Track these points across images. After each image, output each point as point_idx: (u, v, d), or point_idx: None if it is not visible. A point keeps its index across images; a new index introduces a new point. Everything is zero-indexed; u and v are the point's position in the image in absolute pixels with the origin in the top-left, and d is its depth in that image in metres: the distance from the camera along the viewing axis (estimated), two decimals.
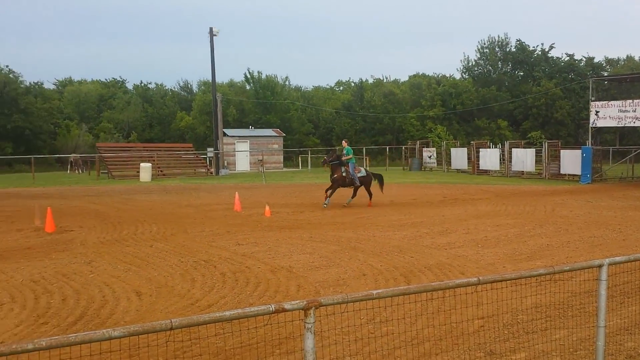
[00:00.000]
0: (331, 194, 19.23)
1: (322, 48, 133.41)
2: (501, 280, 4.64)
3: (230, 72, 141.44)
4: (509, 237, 13.30)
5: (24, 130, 55.57)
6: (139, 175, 37.04)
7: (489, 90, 63.82)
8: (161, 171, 40.65)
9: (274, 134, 51.28)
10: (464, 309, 6.60)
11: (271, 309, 3.79)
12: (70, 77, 78.34)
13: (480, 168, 39.92)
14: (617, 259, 5.26)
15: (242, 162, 47.49)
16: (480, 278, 4.33)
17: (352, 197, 19.81)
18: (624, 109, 31.77)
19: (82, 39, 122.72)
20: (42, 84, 68.83)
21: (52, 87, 73.81)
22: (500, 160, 39.12)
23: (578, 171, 32.56)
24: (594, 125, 33.50)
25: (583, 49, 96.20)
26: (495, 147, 41.85)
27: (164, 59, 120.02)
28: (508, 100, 63.24)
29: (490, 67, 68.70)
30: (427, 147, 47.71)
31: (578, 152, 33.22)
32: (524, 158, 36.81)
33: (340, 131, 64.43)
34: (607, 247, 12.16)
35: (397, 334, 6.33)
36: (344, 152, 19.97)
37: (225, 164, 44.70)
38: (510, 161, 37.68)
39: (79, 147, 57.01)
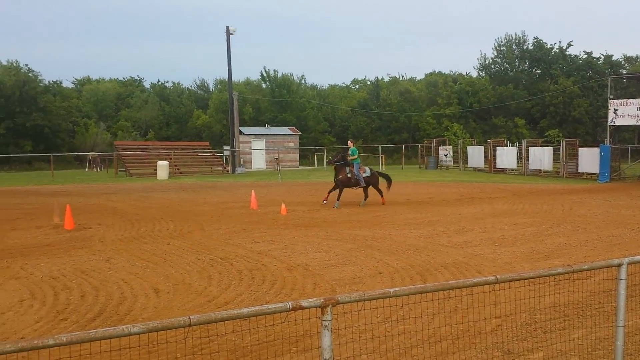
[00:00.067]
0: (339, 195, 19.07)
1: (338, 46, 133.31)
2: (519, 279, 4.62)
3: (246, 70, 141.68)
4: (526, 236, 13.22)
5: (43, 129, 56.15)
6: (156, 173, 37.32)
7: (506, 88, 63.38)
8: (178, 169, 40.91)
9: (289, 132, 51.36)
10: (481, 308, 6.57)
11: (288, 306, 3.81)
12: (89, 76, 79.07)
13: (497, 166, 39.67)
14: (637, 258, 5.21)
15: (258, 160, 47.63)
16: (498, 277, 4.31)
17: (365, 199, 19.62)
18: None
19: (101, 38, 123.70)
20: (61, 82, 69.50)
21: (71, 85, 74.51)
22: (517, 158, 38.86)
23: (596, 170, 32.24)
24: (612, 124, 33.15)
25: (601, 47, 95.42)
26: (513, 145, 41.57)
27: (181, 58, 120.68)
28: (525, 98, 62.76)
29: (507, 65, 68.21)
30: (443, 146, 47.51)
31: (596, 150, 32.91)
32: (541, 156, 36.53)
33: (356, 129, 64.37)
34: (626, 246, 12.05)
35: (414, 333, 6.32)
36: (349, 152, 19.78)
37: (242, 162, 44.85)
38: (528, 160, 37.41)
39: (97, 145, 57.51)
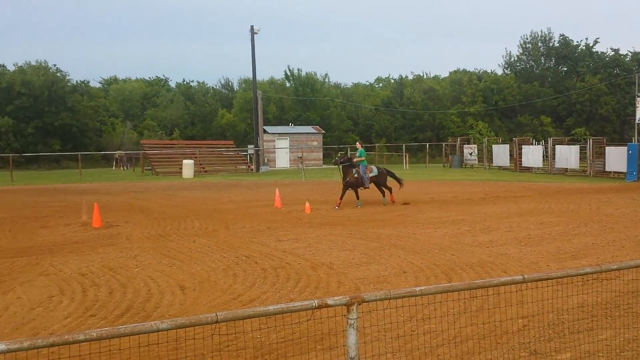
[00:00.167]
0: (357, 196, 18.98)
1: (361, 44, 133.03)
2: (547, 279, 4.58)
3: (270, 69, 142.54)
4: (552, 235, 13.07)
5: (71, 128, 56.97)
6: (181, 172, 37.68)
7: (531, 86, 62.69)
8: (203, 168, 41.24)
9: (313, 131, 51.44)
10: (507, 308, 6.53)
11: (314, 304, 3.83)
12: (115, 76, 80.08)
13: (522, 165, 39.29)
14: None
15: (282, 159, 47.79)
16: (525, 276, 4.29)
17: (384, 197, 19.57)
18: None
19: (127, 38, 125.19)
20: (88, 82, 70.56)
21: (98, 85, 75.50)
22: (543, 157, 38.43)
23: (624, 169, 31.71)
24: None
25: (629, 44, 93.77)
26: (538, 143, 41.12)
27: (206, 58, 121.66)
28: (551, 96, 62.03)
29: (533, 63, 67.47)
30: (468, 144, 47.16)
31: (624, 149, 32.37)
32: (567, 155, 36.08)
33: (379, 128, 64.19)
34: None
35: (439, 332, 6.30)
36: (357, 154, 19.65)
37: (266, 161, 45.04)
38: (554, 158, 36.97)
39: (123, 144, 58.21)
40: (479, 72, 70.69)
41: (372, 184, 19.36)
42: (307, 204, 17.89)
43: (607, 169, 33.49)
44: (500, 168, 42.07)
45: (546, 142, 39.88)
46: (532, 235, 13.06)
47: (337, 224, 15.02)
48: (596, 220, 15.30)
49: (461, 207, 18.51)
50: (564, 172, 36.06)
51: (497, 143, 45.93)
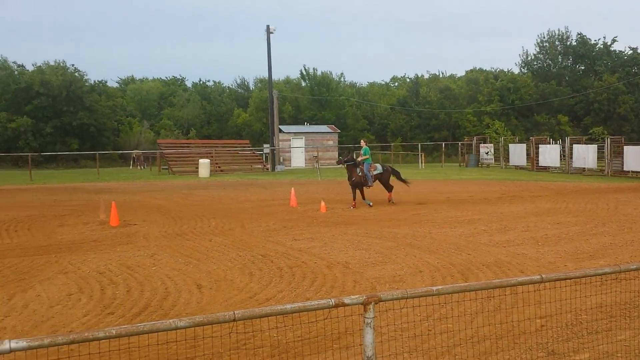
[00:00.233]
0: (362, 196, 18.90)
1: (377, 43, 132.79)
2: (565, 279, 4.55)
3: (286, 69, 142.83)
4: (570, 235, 12.97)
5: (89, 127, 57.49)
6: (197, 171, 37.88)
7: (548, 85, 62.22)
8: (219, 167, 41.42)
9: (329, 130, 51.45)
10: (525, 308, 6.50)
11: (331, 303, 3.84)
12: (132, 76, 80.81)
13: (539, 164, 39.00)
14: None
15: (298, 158, 47.84)
16: (543, 276, 4.26)
17: (390, 190, 19.54)
18: None
19: (144, 38, 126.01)
20: (105, 82, 71.22)
21: (115, 85, 76.16)
22: (560, 156, 38.11)
23: None
24: None
25: None
26: (556, 143, 40.79)
27: (222, 57, 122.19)
28: (569, 95, 61.51)
29: (550, 62, 66.97)
30: (484, 143, 46.90)
31: None
32: (585, 154, 35.73)
33: (395, 127, 64.03)
34: None
35: (456, 332, 6.28)
36: (362, 152, 19.48)
37: (281, 160, 45.13)
38: (571, 157, 36.65)
39: (140, 143, 58.66)
40: (495, 71, 70.30)
41: (376, 182, 19.26)
42: (323, 203, 17.91)
43: (625, 169, 33.13)
44: (517, 167, 41.80)
45: (563, 141, 39.55)
46: (549, 235, 12.97)
47: (353, 223, 15.02)
48: (614, 220, 15.15)
49: (477, 207, 18.42)
50: (582, 171, 35.74)
51: (513, 142, 45.63)
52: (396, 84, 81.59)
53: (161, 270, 9.74)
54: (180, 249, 11.59)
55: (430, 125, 63.68)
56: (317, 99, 62.82)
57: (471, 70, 75.21)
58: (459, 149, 49.86)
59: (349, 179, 19.01)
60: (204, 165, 37.62)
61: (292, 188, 20.82)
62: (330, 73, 67.68)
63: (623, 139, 37.19)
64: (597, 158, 35.26)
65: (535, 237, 12.70)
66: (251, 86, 75.34)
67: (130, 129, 63.30)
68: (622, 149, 34.02)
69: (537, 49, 67.46)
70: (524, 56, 68.23)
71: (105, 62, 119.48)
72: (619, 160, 33.91)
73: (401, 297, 4.03)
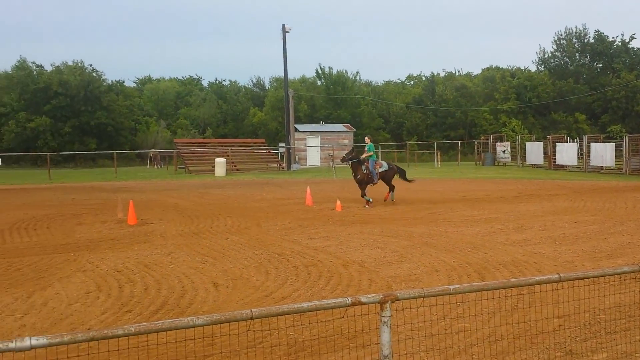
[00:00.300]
0: (364, 194, 18.68)
1: (392, 42, 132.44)
2: (583, 278, 4.52)
3: (301, 68, 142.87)
4: (587, 234, 12.85)
5: (106, 127, 57.98)
6: (214, 170, 38.05)
7: (566, 82, 61.68)
8: (235, 166, 41.58)
9: (344, 129, 51.43)
10: (542, 307, 6.46)
11: (347, 301, 3.85)
12: (149, 75, 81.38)
13: (556, 163, 38.69)
14: None
15: (313, 157, 47.87)
16: (561, 275, 4.24)
17: (392, 192, 19.28)
18: None
19: (160, 38, 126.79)
20: (123, 82, 71.79)
21: (133, 85, 76.73)
22: (578, 155, 37.77)
23: None
24: None
25: None
26: (573, 141, 40.44)
27: (238, 57, 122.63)
28: (586, 93, 60.94)
29: (567, 59, 66.39)
30: (500, 142, 46.60)
31: None
32: (603, 153, 35.37)
33: (410, 126, 63.87)
34: None
35: (472, 331, 6.26)
36: (366, 148, 19.28)
37: (297, 159, 45.19)
38: (589, 156, 36.31)
39: (157, 143, 59.07)
40: (512, 68, 69.82)
41: (380, 179, 19.07)
42: (338, 202, 17.91)
43: None
44: (533, 166, 41.49)
45: (581, 139, 39.20)
46: (566, 234, 12.87)
47: (368, 222, 15.01)
48: (632, 219, 14.99)
49: (494, 206, 18.32)
50: (599, 170, 35.39)
51: (530, 140, 45.29)
52: (412, 82, 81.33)
53: (178, 268, 9.81)
54: (196, 248, 11.66)
55: (446, 123, 63.40)
56: (333, 98, 62.80)
57: (487, 68, 74.79)
58: (475, 148, 49.60)
59: (354, 177, 18.94)
60: (220, 165, 37.78)
61: (308, 187, 20.85)
62: (346, 72, 67.71)
63: None
64: (615, 156, 34.90)
65: (553, 236, 12.61)
66: (267, 85, 75.58)
67: (147, 128, 63.75)
68: None
69: (555, 47, 66.95)
70: (541, 54, 67.75)
71: (122, 62, 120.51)
72: (637, 158, 33.53)
73: (418, 296, 4.03)
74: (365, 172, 18.61)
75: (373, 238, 12.54)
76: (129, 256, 10.86)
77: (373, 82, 76.75)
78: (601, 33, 65.25)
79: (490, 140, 47.10)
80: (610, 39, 65.25)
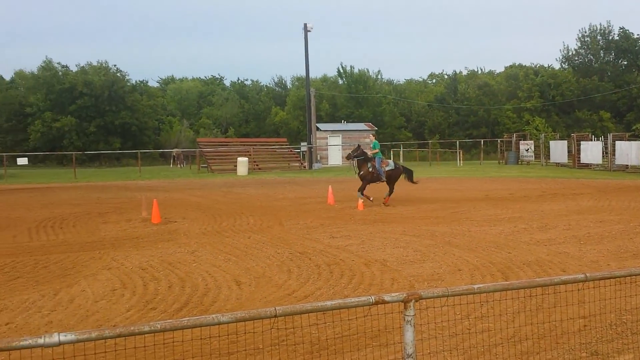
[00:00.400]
0: (362, 190, 18.43)
1: (414, 40, 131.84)
2: (609, 278, 4.47)
3: (323, 67, 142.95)
4: (613, 233, 12.68)
5: (130, 127, 58.59)
6: (236, 169, 38.23)
7: (590, 80, 60.88)
8: (257, 165, 41.74)
9: (366, 128, 51.35)
10: (567, 307, 6.40)
11: (371, 300, 3.86)
12: (173, 75, 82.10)
13: (581, 162, 38.19)
14: None
15: (335, 156, 47.86)
16: (587, 275, 4.20)
17: (389, 195, 18.80)
18: None
19: (183, 39, 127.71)
20: (146, 82, 72.57)
21: (156, 85, 77.45)
22: (602, 153, 37.25)
23: None
24: None
25: None
26: (597, 139, 39.89)
27: (260, 56, 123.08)
28: (611, 90, 60.09)
29: (591, 57, 65.51)
30: (524, 140, 46.15)
31: None
32: (628, 151, 34.80)
33: (432, 124, 63.54)
34: None
35: (496, 331, 6.23)
36: (371, 146, 19.07)
37: (318, 158, 45.22)
38: (614, 154, 35.79)
39: (180, 142, 59.55)
40: (535, 66, 69.09)
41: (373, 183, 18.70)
42: (360, 201, 17.89)
43: None
44: (557, 165, 41.02)
45: (606, 138, 38.65)
46: (591, 233, 12.72)
47: (390, 221, 14.98)
48: None
49: (517, 205, 18.16)
50: (625, 168, 34.85)
51: (554, 139, 44.78)
52: (434, 80, 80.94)
53: (201, 266, 9.90)
54: (219, 246, 11.75)
55: (469, 122, 62.97)
56: (354, 97, 62.72)
57: (510, 66, 74.13)
58: (498, 146, 49.18)
59: (357, 173, 18.78)
60: (242, 164, 37.96)
61: (330, 186, 20.86)
62: (367, 70, 67.61)
63: None
64: None
65: (577, 235, 12.47)
66: (288, 85, 75.76)
67: (170, 128, 64.31)
68: None
69: (578, 44, 66.13)
70: (565, 51, 66.96)
71: (146, 63, 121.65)
72: None
73: (442, 295, 4.02)
74: (370, 170, 18.40)
75: (395, 237, 12.51)
76: (153, 254, 10.98)
77: (395, 81, 76.58)
78: (626, 30, 64.32)
79: (514, 138, 46.67)
80: (635, 36, 64.26)
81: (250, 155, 41.70)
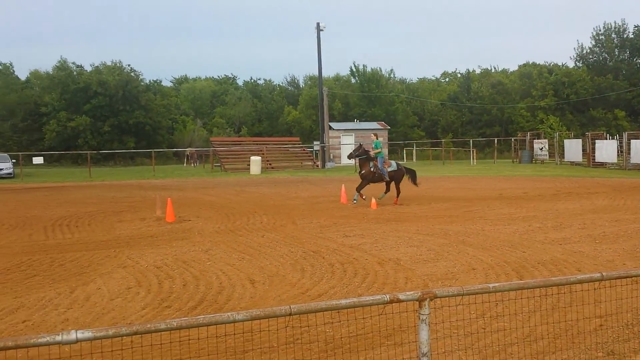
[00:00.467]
0: (360, 189, 18.35)
1: (427, 39, 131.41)
2: (626, 277, 4.44)
3: (336, 66, 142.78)
4: (628, 232, 12.58)
5: (144, 126, 58.89)
6: (249, 168, 38.32)
7: (605, 79, 60.36)
8: (270, 164, 41.81)
9: (378, 127, 51.24)
10: (582, 307, 6.36)
11: (386, 299, 3.86)
12: (186, 75, 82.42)
13: (595, 160, 37.89)
14: None
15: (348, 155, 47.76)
16: (603, 274, 4.17)
17: (385, 192, 18.71)
18: None
19: (196, 38, 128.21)
20: (160, 81, 72.92)
21: (170, 84, 77.80)
22: (617, 152, 36.93)
23: None
24: None
25: None
26: (612, 138, 39.55)
27: (273, 55, 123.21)
28: (626, 89, 59.55)
29: (606, 55, 64.98)
30: (538, 139, 45.86)
31: None
32: None
33: (445, 123, 63.31)
34: None
35: (511, 330, 6.20)
36: (373, 145, 18.90)
37: (331, 157, 45.21)
38: (629, 153, 35.46)
39: (194, 141, 59.78)
40: (549, 65, 68.64)
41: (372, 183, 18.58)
42: (373, 200, 17.87)
43: None
44: (572, 163, 40.73)
45: (620, 136, 38.31)
46: (607, 232, 12.62)
47: (404, 220, 14.95)
48: None
49: (532, 204, 18.05)
50: None
51: (569, 138, 44.46)
52: (447, 79, 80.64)
53: (215, 265, 9.94)
54: (233, 245, 11.79)
55: (482, 120, 62.68)
56: (367, 96, 62.64)
57: (524, 65, 73.69)
58: (512, 145, 48.93)
59: (359, 172, 18.65)
60: (256, 163, 38.05)
61: (343, 185, 20.86)
62: (380, 69, 67.49)
63: None
64: None
65: (593, 234, 12.38)
66: (301, 84, 75.81)
67: (184, 127, 64.59)
68: None
69: (593, 42, 65.63)
70: (579, 50, 66.51)
71: (159, 62, 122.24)
72: None
73: (457, 294, 4.02)
74: (372, 169, 18.30)
75: (408, 236, 12.49)
76: (167, 253, 11.04)
77: (407, 80, 76.39)
78: None
79: (528, 137, 46.40)
80: None
81: (263, 154, 41.78)
